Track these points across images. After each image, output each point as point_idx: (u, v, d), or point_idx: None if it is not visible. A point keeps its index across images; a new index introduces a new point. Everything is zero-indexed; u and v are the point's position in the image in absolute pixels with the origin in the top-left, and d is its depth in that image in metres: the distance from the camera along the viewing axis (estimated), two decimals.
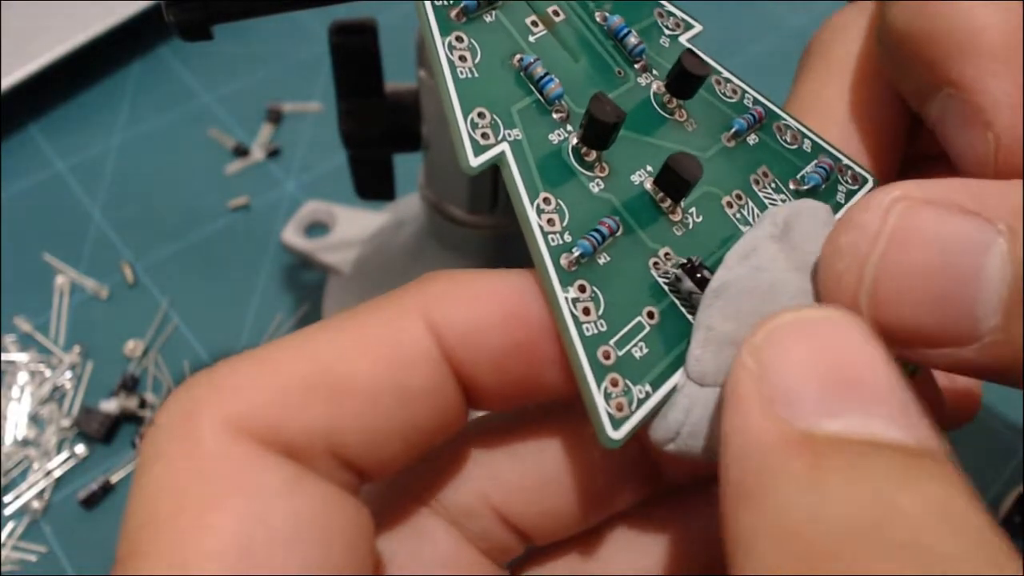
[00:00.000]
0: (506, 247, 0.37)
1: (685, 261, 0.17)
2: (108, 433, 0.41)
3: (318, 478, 0.14)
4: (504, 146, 0.16)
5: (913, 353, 0.15)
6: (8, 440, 0.40)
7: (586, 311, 0.16)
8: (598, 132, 0.16)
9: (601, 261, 0.16)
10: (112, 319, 0.45)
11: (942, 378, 0.22)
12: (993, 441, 0.42)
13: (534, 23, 0.18)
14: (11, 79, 0.50)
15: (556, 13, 0.18)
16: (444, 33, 0.17)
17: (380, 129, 0.35)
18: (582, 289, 0.16)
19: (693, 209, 0.18)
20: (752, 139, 0.19)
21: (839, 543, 0.11)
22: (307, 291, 0.46)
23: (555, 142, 0.17)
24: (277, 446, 0.14)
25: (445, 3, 0.17)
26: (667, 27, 0.20)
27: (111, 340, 0.44)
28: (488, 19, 0.18)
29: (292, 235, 0.45)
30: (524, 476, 0.18)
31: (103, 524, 0.39)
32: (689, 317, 0.17)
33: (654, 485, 0.19)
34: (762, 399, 0.13)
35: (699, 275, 0.16)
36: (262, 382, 0.14)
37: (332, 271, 0.44)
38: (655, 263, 0.17)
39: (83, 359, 0.43)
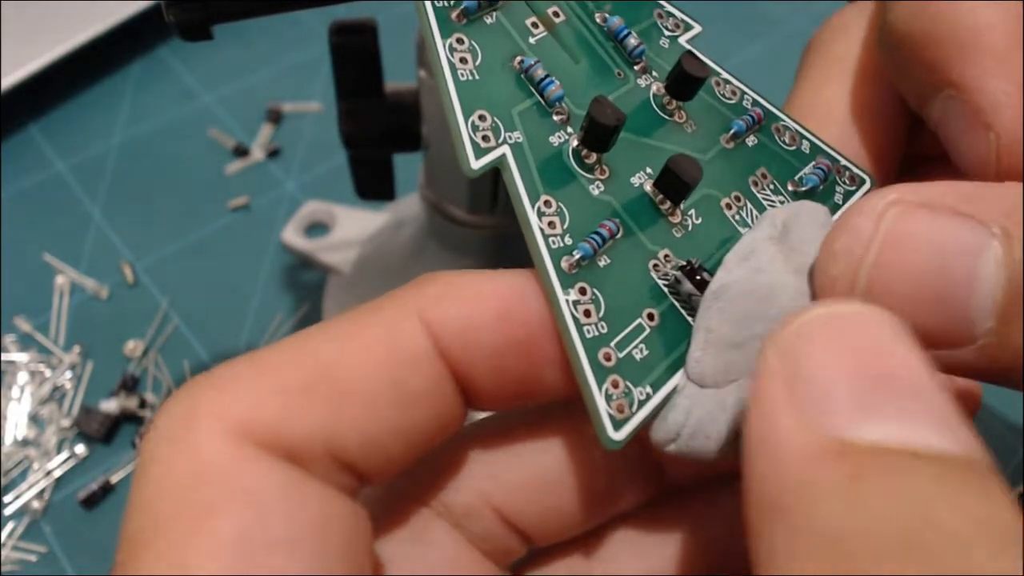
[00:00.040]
0: (506, 247, 0.37)
1: (685, 263, 0.17)
2: (108, 433, 0.41)
3: (317, 481, 0.14)
4: (505, 149, 0.16)
5: None
6: (8, 440, 0.40)
7: (587, 313, 0.16)
8: (599, 135, 0.17)
9: (601, 263, 0.16)
10: (112, 319, 0.45)
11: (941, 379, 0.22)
12: (993, 441, 0.42)
13: (534, 24, 0.18)
14: (11, 79, 0.50)
15: (556, 14, 0.18)
16: (445, 35, 0.17)
17: (380, 129, 0.35)
18: (583, 291, 0.16)
19: (692, 211, 0.18)
20: (751, 140, 0.19)
21: (878, 562, 0.11)
22: (307, 291, 0.46)
23: (556, 144, 0.17)
24: (276, 449, 0.14)
25: (446, 4, 0.17)
26: (667, 28, 0.20)
27: (111, 340, 0.44)
28: (489, 21, 0.18)
29: (292, 235, 0.45)
30: (525, 477, 0.18)
31: (103, 524, 0.39)
32: (689, 319, 0.17)
33: (656, 486, 0.20)
34: (792, 403, 0.12)
35: (699, 277, 0.16)
36: (260, 385, 0.14)
37: (332, 271, 0.44)
38: (655, 265, 0.17)
39: (83, 359, 0.43)
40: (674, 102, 0.19)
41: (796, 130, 0.20)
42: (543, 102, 0.17)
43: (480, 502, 0.18)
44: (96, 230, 0.49)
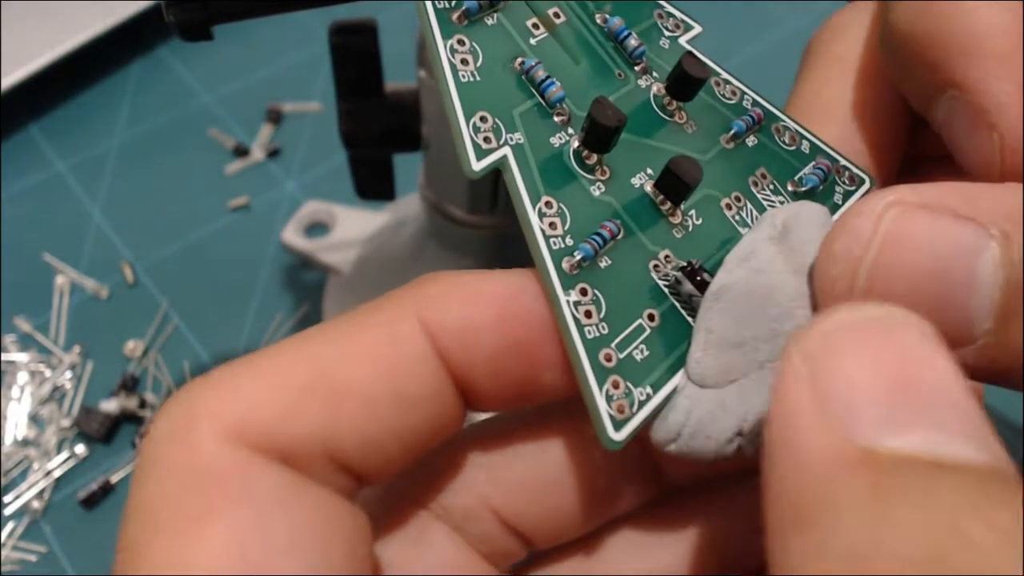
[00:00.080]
0: (506, 247, 0.37)
1: (685, 264, 0.17)
2: (108, 433, 0.41)
3: (315, 484, 0.14)
4: (506, 150, 0.16)
5: None
6: (8, 440, 0.41)
7: (588, 314, 0.16)
8: (600, 136, 0.17)
9: (602, 264, 0.16)
10: (112, 319, 0.45)
11: None
12: None
13: (535, 25, 0.18)
14: (11, 79, 0.50)
15: (557, 15, 0.18)
16: (446, 36, 0.17)
17: (380, 129, 0.35)
18: (584, 292, 0.16)
19: (693, 211, 0.18)
20: (751, 141, 0.19)
21: (902, 574, 0.10)
22: (307, 291, 0.47)
23: (556, 145, 0.17)
24: (274, 452, 0.14)
25: (447, 5, 0.17)
26: (667, 28, 0.20)
27: (111, 340, 0.44)
28: (489, 22, 0.18)
29: (292, 235, 0.45)
30: (525, 479, 0.18)
31: (103, 524, 0.39)
32: (689, 320, 0.17)
33: (655, 487, 0.20)
34: (816, 409, 0.12)
35: (699, 278, 0.16)
36: (258, 388, 0.14)
37: (332, 271, 0.44)
38: (655, 266, 0.17)
39: (83, 359, 0.43)
40: (674, 103, 0.19)
41: (796, 130, 0.20)
42: (544, 103, 0.17)
43: (480, 505, 0.18)
44: (96, 230, 0.49)
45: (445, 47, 0.17)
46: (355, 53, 0.32)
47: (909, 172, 0.24)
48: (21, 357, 0.43)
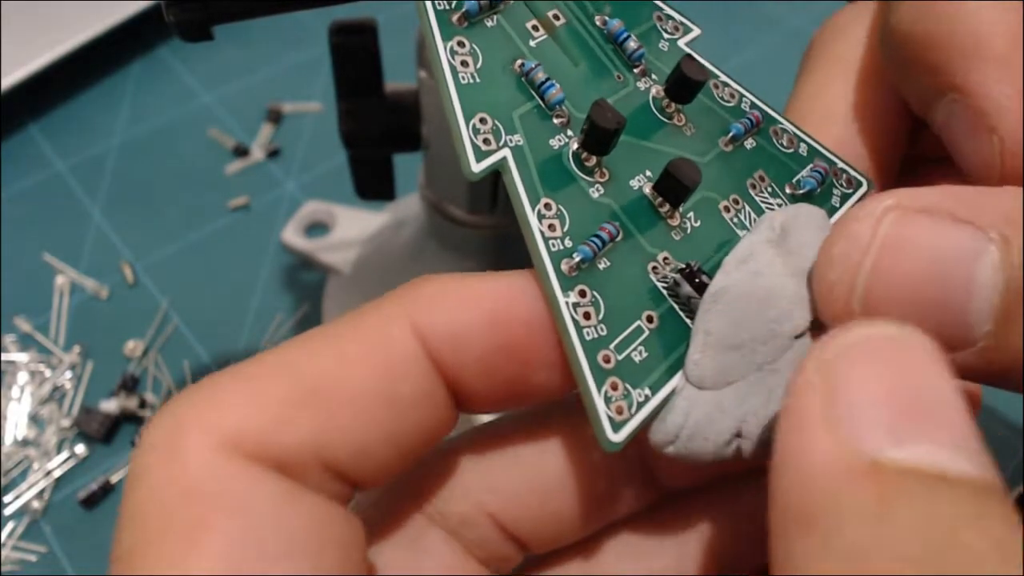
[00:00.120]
0: (506, 247, 0.37)
1: (684, 266, 0.17)
2: (108, 433, 0.41)
3: (308, 491, 0.14)
4: (506, 152, 0.16)
5: None
6: (8, 440, 0.41)
7: (587, 315, 0.16)
8: (599, 138, 0.17)
9: (601, 266, 0.16)
10: (112, 319, 0.45)
11: None
12: (993, 441, 0.42)
13: (535, 27, 0.18)
14: (11, 79, 0.50)
15: (556, 17, 0.18)
16: (446, 38, 0.17)
17: (380, 129, 0.35)
18: (582, 294, 0.16)
19: (691, 214, 0.18)
20: (749, 143, 0.19)
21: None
22: (307, 291, 0.47)
23: (556, 147, 0.17)
24: (266, 460, 0.14)
25: (447, 7, 0.17)
26: (666, 31, 0.20)
27: (111, 340, 0.44)
28: (489, 24, 0.18)
29: (292, 235, 0.45)
30: (522, 484, 0.18)
31: (103, 524, 0.39)
32: (688, 321, 0.17)
33: (653, 491, 0.20)
34: (827, 420, 0.12)
35: (698, 280, 0.16)
36: (248, 396, 0.14)
37: (332, 271, 0.44)
38: (654, 268, 0.17)
39: (83, 359, 0.43)
40: (673, 105, 0.19)
41: (794, 133, 0.20)
42: (543, 105, 0.17)
43: (477, 510, 0.18)
44: (96, 230, 0.49)
45: (445, 49, 0.17)
46: (355, 53, 0.32)
47: (909, 173, 0.24)
48: (21, 357, 0.43)
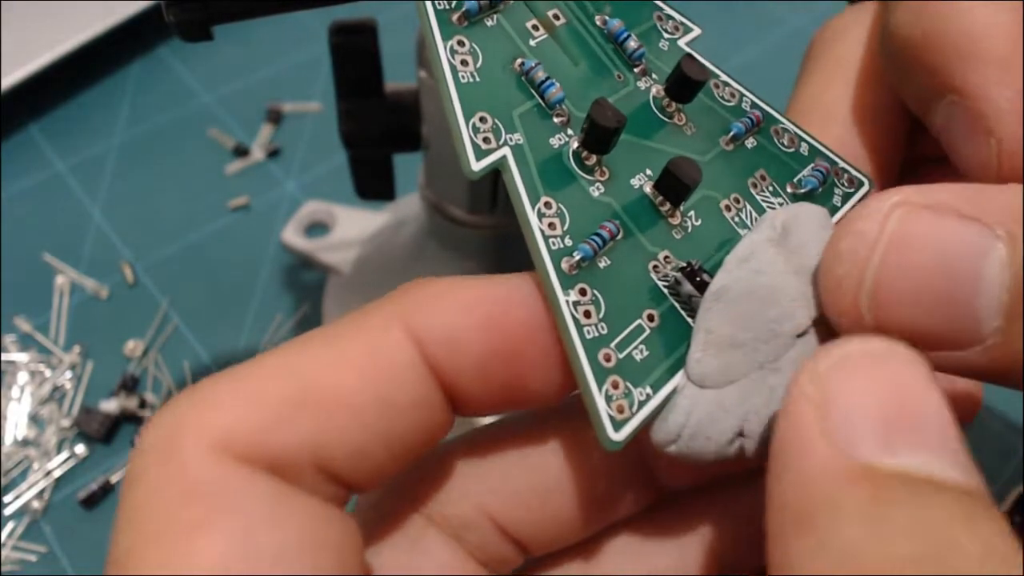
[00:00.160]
0: (506, 247, 0.37)
1: (685, 264, 0.17)
2: (108, 433, 0.41)
3: (304, 493, 0.14)
4: (505, 150, 0.16)
5: None
6: (8, 440, 0.41)
7: (587, 314, 0.16)
8: (599, 137, 0.17)
9: (602, 265, 0.16)
10: (112, 319, 0.45)
11: (942, 380, 0.22)
12: (993, 441, 0.42)
13: (535, 27, 0.18)
14: (11, 79, 0.50)
15: (556, 17, 0.18)
16: (446, 37, 0.17)
17: (380, 129, 0.35)
18: (583, 292, 0.16)
19: (692, 213, 0.18)
20: (750, 143, 0.19)
21: (901, 574, 0.12)
22: (307, 291, 0.47)
23: (556, 146, 0.17)
24: (262, 463, 0.14)
25: (447, 7, 0.17)
26: (666, 30, 0.20)
27: (111, 340, 0.44)
28: (489, 23, 0.18)
29: (292, 235, 0.45)
30: (522, 486, 0.18)
31: (103, 524, 0.39)
32: (689, 320, 0.17)
33: (652, 492, 0.19)
34: (823, 428, 0.13)
35: (699, 278, 0.16)
36: (244, 400, 0.14)
37: (332, 271, 0.44)
38: (655, 266, 0.17)
39: (83, 359, 0.43)
40: (674, 104, 0.19)
41: (795, 132, 0.20)
42: (543, 104, 0.17)
43: (477, 512, 0.18)
44: (96, 230, 0.49)
45: (445, 48, 0.17)
46: (355, 53, 0.32)
47: (908, 174, 0.24)
48: (21, 357, 0.43)
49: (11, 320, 0.45)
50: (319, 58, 0.58)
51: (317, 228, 0.47)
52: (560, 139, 0.17)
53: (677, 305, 0.17)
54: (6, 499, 0.39)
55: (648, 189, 0.18)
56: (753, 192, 0.19)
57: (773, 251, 0.16)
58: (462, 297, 0.16)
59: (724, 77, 0.20)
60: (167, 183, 0.51)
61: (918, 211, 0.15)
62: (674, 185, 0.17)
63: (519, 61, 0.17)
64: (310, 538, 0.14)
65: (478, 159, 0.16)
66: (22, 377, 0.42)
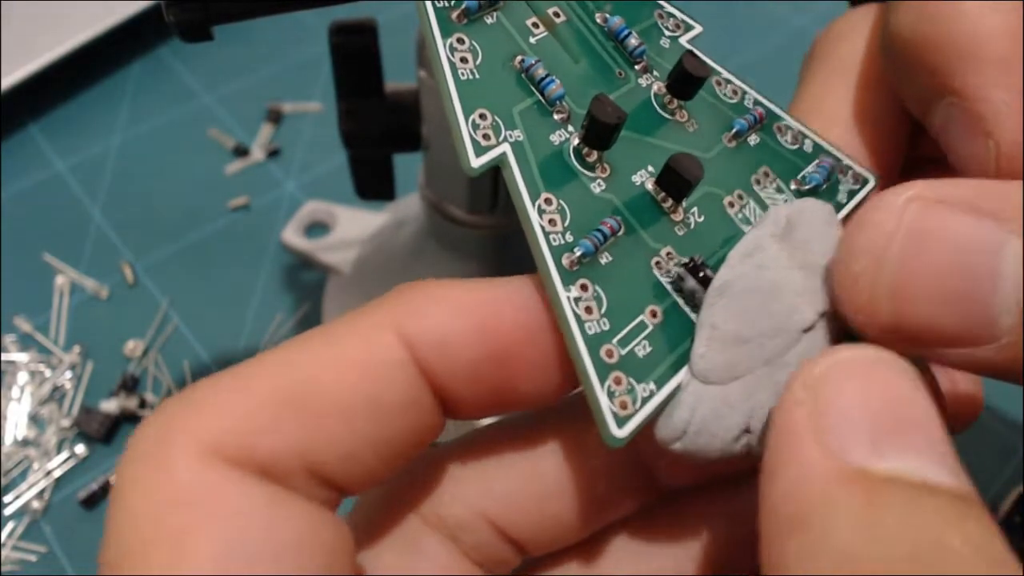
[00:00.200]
0: (506, 247, 0.37)
1: (687, 260, 0.17)
2: (108, 433, 0.41)
3: (295, 497, 0.14)
4: (505, 147, 0.16)
5: (931, 353, 0.15)
6: (8, 440, 0.40)
7: (588, 310, 0.16)
8: (599, 133, 0.17)
9: (603, 261, 0.16)
10: (112, 319, 0.45)
11: (943, 382, 0.22)
12: (993, 441, 0.42)
13: (535, 25, 0.18)
14: (11, 79, 0.50)
15: (557, 14, 0.18)
16: (445, 35, 0.17)
17: (380, 129, 0.35)
18: (584, 288, 0.16)
19: (695, 209, 0.18)
20: (753, 139, 0.19)
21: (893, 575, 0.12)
22: (307, 291, 0.47)
23: (556, 143, 0.17)
24: (252, 467, 0.14)
25: (446, 4, 0.17)
26: (667, 28, 0.20)
27: (111, 340, 0.44)
28: (489, 21, 0.18)
29: (292, 235, 0.45)
30: (520, 487, 0.18)
31: (103, 524, 0.38)
32: (692, 316, 0.17)
33: (650, 492, 0.19)
34: (816, 433, 0.13)
35: (702, 274, 0.16)
36: (234, 403, 0.14)
37: (332, 271, 0.44)
38: (657, 263, 0.17)
39: (83, 359, 0.43)
40: (675, 101, 0.19)
41: (798, 129, 0.20)
42: (544, 101, 0.17)
43: (474, 513, 0.18)
44: (96, 230, 0.49)
45: (444, 45, 0.17)
46: (355, 53, 0.32)
47: (908, 174, 0.24)
48: (21, 357, 0.43)
49: (11, 320, 0.44)
50: (319, 58, 0.57)
51: (317, 228, 0.47)
52: (561, 136, 0.17)
53: (680, 301, 0.17)
54: (6, 499, 0.39)
55: (650, 185, 0.18)
56: (756, 189, 0.19)
57: (777, 246, 0.16)
58: (454, 300, 0.16)
59: (726, 74, 0.20)
60: (167, 183, 0.51)
61: (933, 205, 0.15)
62: (676, 181, 0.17)
63: (519, 58, 0.17)
64: (301, 541, 0.14)
65: (478, 155, 0.16)
66: (22, 377, 0.42)
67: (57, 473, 0.40)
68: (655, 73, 0.19)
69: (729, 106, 0.20)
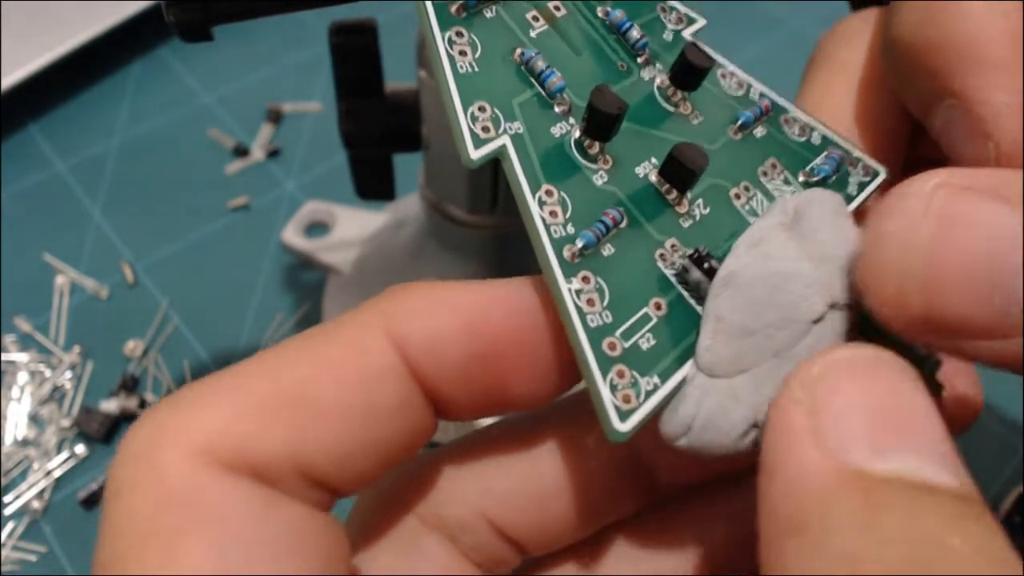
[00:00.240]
0: (506, 247, 0.37)
1: (692, 251, 0.17)
2: (108, 433, 0.40)
3: (288, 499, 0.14)
4: (505, 139, 0.16)
5: (959, 346, 0.15)
6: (8, 440, 0.40)
7: (590, 302, 0.15)
8: (600, 123, 0.16)
9: (605, 252, 0.16)
10: (112, 319, 0.45)
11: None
12: (993, 441, 0.42)
13: (535, 18, 0.18)
14: (11, 79, 0.50)
15: (557, 8, 0.18)
16: (444, 28, 0.17)
17: (380, 129, 0.35)
18: (586, 280, 0.16)
19: (700, 201, 0.18)
20: (759, 132, 0.19)
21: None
22: (307, 291, 0.46)
23: (557, 135, 0.17)
24: (244, 470, 0.14)
25: None
26: (669, 22, 0.20)
27: (111, 340, 0.44)
28: (488, 14, 0.17)
29: (292, 235, 0.45)
30: (520, 487, 0.18)
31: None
32: (698, 309, 0.16)
33: (650, 493, 0.19)
34: (814, 433, 0.13)
35: (707, 265, 0.16)
36: (226, 405, 0.14)
37: (332, 271, 0.44)
38: (661, 255, 0.17)
39: (83, 359, 0.43)
40: (679, 93, 0.19)
41: (806, 122, 0.20)
42: (544, 93, 0.17)
43: (474, 514, 0.18)
44: (96, 230, 0.49)
45: (443, 39, 0.17)
46: (355, 53, 0.32)
47: (906, 174, 0.24)
48: (21, 357, 0.43)
49: (11, 320, 0.44)
50: (319, 58, 0.57)
51: (317, 228, 0.47)
52: (562, 128, 0.17)
53: (685, 294, 0.17)
54: (6, 499, 0.39)
55: (653, 177, 0.17)
56: (764, 181, 0.19)
57: (785, 236, 0.16)
58: (443, 301, 0.16)
59: (731, 67, 0.20)
60: (167, 183, 0.51)
61: (961, 192, 0.14)
62: (679, 171, 0.17)
63: (519, 51, 0.17)
64: (294, 543, 0.14)
65: (476, 147, 0.16)
66: (22, 377, 0.42)
67: (57, 473, 0.39)
68: (658, 66, 0.19)
69: (734, 98, 0.19)
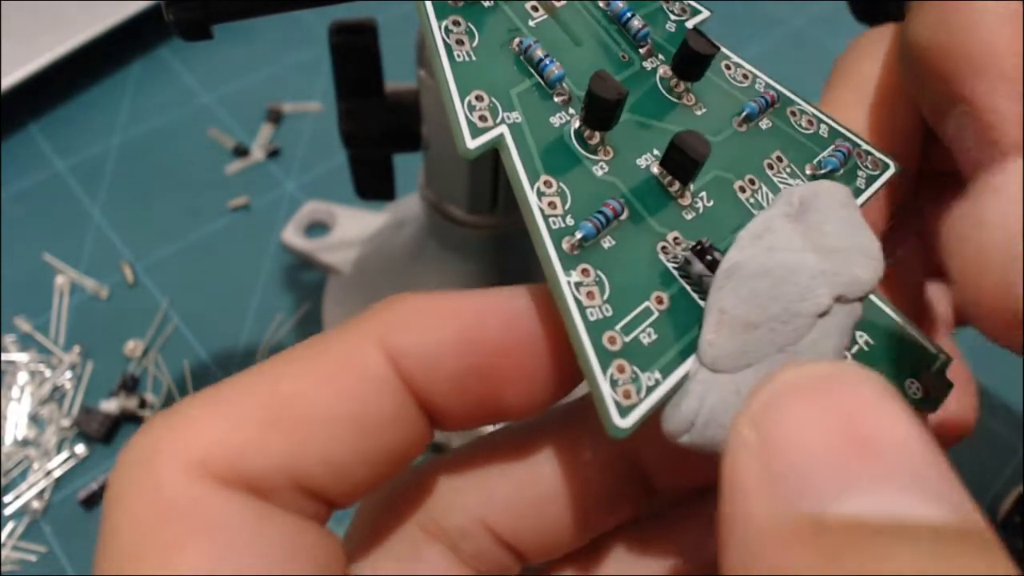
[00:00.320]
0: (506, 247, 0.36)
1: (695, 243, 0.16)
2: (108, 433, 0.40)
3: (283, 512, 0.14)
4: (503, 128, 0.16)
5: None
6: (8, 440, 0.40)
7: (590, 295, 0.15)
8: (600, 110, 0.16)
9: (606, 245, 0.16)
10: (112, 319, 0.45)
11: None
12: (993, 441, 0.42)
13: (534, 8, 0.18)
14: (11, 79, 0.49)
15: None
16: (441, 17, 0.16)
17: (380, 129, 0.35)
18: (585, 273, 0.15)
19: (703, 194, 0.17)
20: (765, 124, 0.19)
21: None
22: (307, 291, 0.46)
23: (557, 125, 0.17)
24: (239, 483, 0.14)
25: None
26: (672, 12, 0.19)
27: (111, 340, 0.44)
28: (487, 3, 0.17)
29: (292, 235, 0.45)
30: (519, 495, 0.18)
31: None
32: (701, 303, 0.16)
33: (650, 498, 0.19)
34: (764, 479, 0.12)
35: (709, 257, 0.16)
36: (220, 419, 0.14)
37: (332, 271, 0.44)
38: (663, 248, 0.16)
39: (83, 359, 0.43)
40: (682, 84, 0.18)
41: (813, 114, 0.20)
42: (543, 83, 0.17)
43: (474, 522, 0.18)
44: (96, 230, 0.49)
45: (440, 27, 0.16)
46: (355, 53, 0.32)
47: (922, 187, 0.24)
48: (21, 357, 0.43)
49: (11, 320, 0.44)
50: (319, 58, 0.57)
51: (317, 228, 0.46)
52: (561, 118, 0.17)
53: (688, 287, 0.16)
54: (6, 499, 0.38)
55: (655, 169, 0.17)
56: (769, 173, 0.18)
57: (790, 227, 0.16)
58: (436, 311, 0.16)
59: (736, 59, 0.19)
60: (167, 183, 0.51)
61: None
62: (681, 161, 0.16)
63: (517, 40, 0.17)
64: (288, 555, 0.14)
65: (473, 137, 0.16)
66: (22, 377, 0.42)
67: (57, 473, 0.39)
68: (660, 57, 0.19)
69: (739, 90, 0.19)
